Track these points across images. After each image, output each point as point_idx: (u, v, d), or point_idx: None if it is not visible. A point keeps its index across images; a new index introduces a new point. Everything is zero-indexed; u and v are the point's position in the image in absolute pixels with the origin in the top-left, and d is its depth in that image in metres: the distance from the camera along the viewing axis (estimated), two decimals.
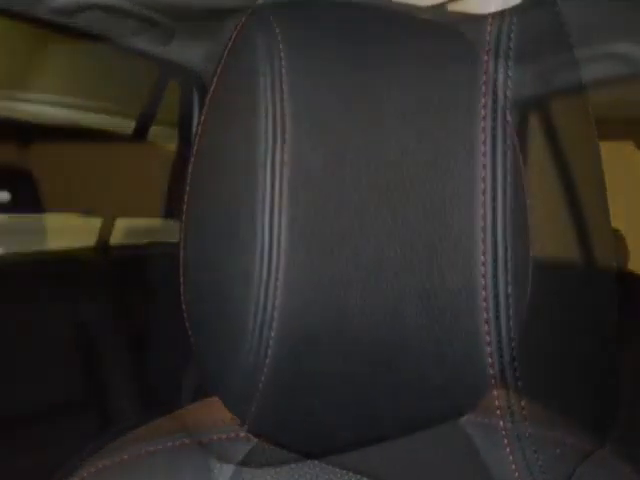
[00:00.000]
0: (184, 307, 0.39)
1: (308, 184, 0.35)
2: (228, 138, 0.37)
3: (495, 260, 0.41)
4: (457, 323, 0.40)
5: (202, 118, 0.40)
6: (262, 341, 0.34)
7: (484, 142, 0.41)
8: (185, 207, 0.41)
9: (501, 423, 0.49)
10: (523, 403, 0.52)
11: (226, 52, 0.38)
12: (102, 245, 1.82)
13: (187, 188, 0.41)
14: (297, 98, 0.35)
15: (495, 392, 0.50)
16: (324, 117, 0.36)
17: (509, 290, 0.42)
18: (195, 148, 0.41)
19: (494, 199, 0.41)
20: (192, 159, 0.41)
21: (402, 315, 0.38)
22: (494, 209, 0.41)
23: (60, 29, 1.18)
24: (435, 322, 0.39)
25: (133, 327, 1.33)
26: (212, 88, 0.39)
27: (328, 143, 0.36)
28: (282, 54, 0.36)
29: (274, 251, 0.34)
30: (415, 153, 0.38)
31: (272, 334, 0.34)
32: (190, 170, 0.41)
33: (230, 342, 0.35)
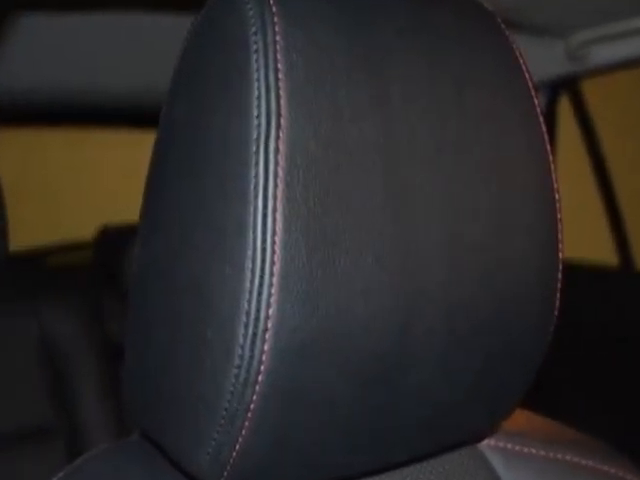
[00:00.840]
0: (150, 320, 0.38)
1: (307, 176, 0.35)
2: (211, 125, 0.36)
3: (516, 264, 0.41)
4: (478, 337, 0.40)
5: (170, 100, 0.39)
6: (254, 355, 0.34)
7: (511, 124, 0.41)
8: (148, 205, 0.40)
9: (525, 448, 0.49)
10: (549, 426, 0.52)
11: (206, 23, 0.38)
12: (74, 245, 1.82)
13: (151, 183, 0.40)
14: (294, 77, 0.35)
15: (518, 413, 0.50)
16: (324, 99, 0.36)
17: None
18: (161, 135, 0.40)
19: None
20: (157, 148, 0.40)
21: (412, 326, 0.38)
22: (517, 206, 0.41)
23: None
24: (452, 336, 0.39)
25: (107, 336, 1.32)
26: (185, 65, 0.39)
27: (329, 128, 0.35)
28: (277, 27, 0.35)
29: (268, 253, 0.34)
30: (425, 136, 0.38)
31: (265, 347, 0.34)
32: (156, 162, 0.40)
33: (217, 357, 0.35)
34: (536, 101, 0.43)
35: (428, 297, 0.38)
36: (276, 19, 0.35)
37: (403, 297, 0.37)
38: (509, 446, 0.48)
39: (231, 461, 0.36)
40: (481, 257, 0.39)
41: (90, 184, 2.26)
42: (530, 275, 0.41)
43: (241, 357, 0.34)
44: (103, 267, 1.50)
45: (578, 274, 1.46)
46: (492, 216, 0.40)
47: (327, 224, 0.35)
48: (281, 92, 0.35)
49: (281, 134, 0.34)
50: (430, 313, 0.38)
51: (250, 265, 0.34)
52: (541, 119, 0.43)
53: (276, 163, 0.34)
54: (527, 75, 0.43)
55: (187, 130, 0.38)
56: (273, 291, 0.34)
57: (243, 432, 0.36)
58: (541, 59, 1.33)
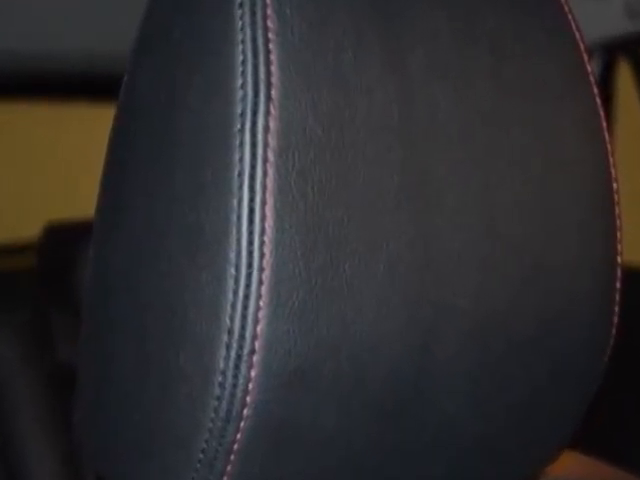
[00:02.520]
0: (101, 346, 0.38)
1: (304, 160, 0.35)
2: (184, 98, 0.36)
3: (565, 270, 0.41)
4: (518, 360, 0.40)
5: (133, 68, 0.39)
6: (238, 384, 0.34)
7: (559, 97, 0.41)
8: (106, 198, 0.40)
9: None
10: (603, 471, 0.52)
11: None
12: (14, 246, 1.82)
13: (109, 171, 0.40)
14: (288, 38, 0.35)
15: (565, 456, 0.50)
16: (326, 64, 0.36)
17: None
18: (122, 112, 0.40)
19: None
20: (116, 128, 0.40)
21: (435, 347, 0.38)
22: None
23: None
24: (485, 359, 0.39)
25: (55, 358, 1.33)
26: (151, 23, 0.39)
27: (331, 101, 0.36)
28: None
29: (255, 257, 0.34)
30: (451, 113, 0.38)
31: (252, 373, 0.34)
32: (116, 145, 0.40)
33: (192, 387, 0.35)
34: (589, 68, 0.43)
35: (454, 311, 0.38)
36: None
37: (423, 311, 0.37)
38: None
39: None
40: (521, 261, 0.40)
41: (35, 171, 2.26)
42: (582, 283, 0.42)
43: (222, 386, 0.35)
44: (49, 273, 1.50)
45: None
46: (535, 211, 0.40)
47: (329, 221, 0.35)
48: (272, 56, 0.35)
49: (272, 109, 0.35)
50: (457, 331, 0.38)
51: (233, 272, 0.34)
52: (595, 90, 0.43)
53: (265, 144, 0.34)
54: (578, 36, 0.43)
55: (154, 105, 0.38)
56: (262, 304, 0.34)
57: (224, 478, 0.36)
58: (595, 16, 1.33)
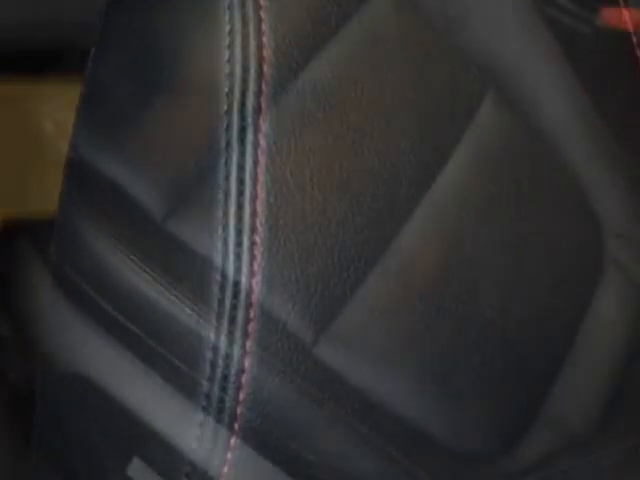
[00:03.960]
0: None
1: (301, 147, 0.35)
2: (163, 74, 0.36)
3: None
4: (549, 376, 0.40)
5: (99, 52, 0.40)
6: (225, 408, 0.34)
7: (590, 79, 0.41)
8: (71, 189, 0.41)
9: None
10: None
11: None
12: None
13: (75, 159, 0.41)
14: (283, 3, 0.35)
15: None
16: (326, 35, 0.36)
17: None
18: (89, 93, 0.40)
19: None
20: (83, 113, 0.40)
21: (455, 367, 0.38)
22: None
23: None
24: (510, 377, 0.39)
25: (8, 378, 1.33)
26: None
27: (336, 70, 0.36)
28: None
29: (244, 260, 0.34)
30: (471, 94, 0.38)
31: (241, 395, 0.34)
32: (82, 129, 0.40)
33: (171, 413, 0.35)
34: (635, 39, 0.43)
35: (478, 322, 0.38)
36: None
37: (442, 322, 0.37)
38: None
39: None
40: (554, 264, 0.40)
41: None
42: None
43: (206, 411, 0.35)
44: (1, 277, 1.50)
45: None
46: (570, 205, 0.40)
47: (330, 217, 0.35)
48: (264, 24, 0.35)
49: (263, 86, 0.34)
50: (481, 345, 0.38)
51: (219, 278, 0.34)
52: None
53: (256, 128, 0.34)
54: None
55: (128, 85, 0.38)
56: (253, 313, 0.34)
57: None
58: None
